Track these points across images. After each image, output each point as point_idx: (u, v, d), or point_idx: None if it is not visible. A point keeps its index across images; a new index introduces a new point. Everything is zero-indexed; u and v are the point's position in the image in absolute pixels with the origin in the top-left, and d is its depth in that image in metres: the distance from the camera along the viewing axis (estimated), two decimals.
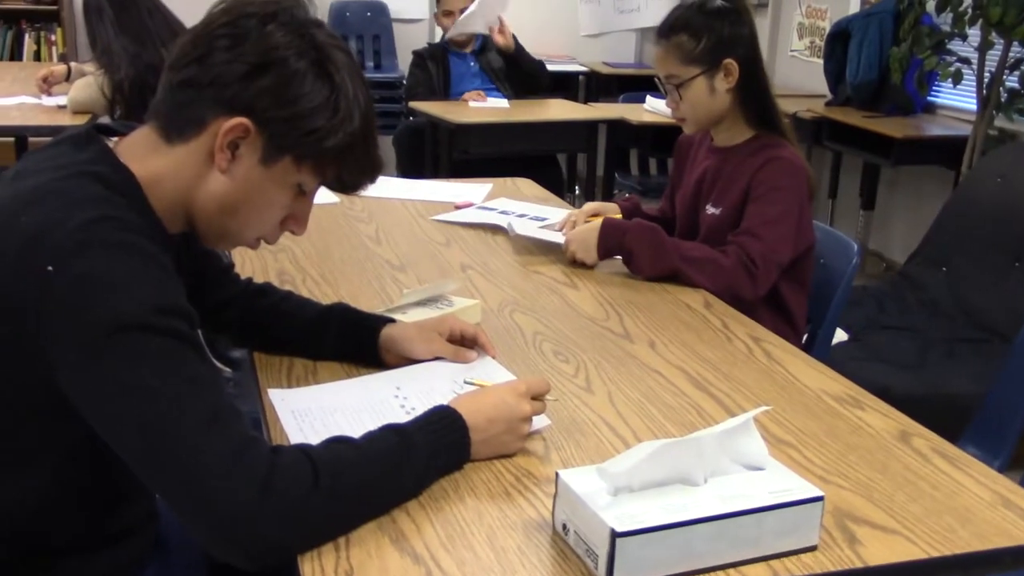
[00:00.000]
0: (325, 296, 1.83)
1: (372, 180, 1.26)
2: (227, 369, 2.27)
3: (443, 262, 2.10)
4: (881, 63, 4.75)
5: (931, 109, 4.90)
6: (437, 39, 5.08)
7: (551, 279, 2.02)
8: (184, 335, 1.06)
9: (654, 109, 4.65)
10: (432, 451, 1.17)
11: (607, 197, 4.92)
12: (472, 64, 4.73)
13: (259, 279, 1.67)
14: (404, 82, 4.95)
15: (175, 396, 1.02)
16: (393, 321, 1.54)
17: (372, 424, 1.30)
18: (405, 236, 2.28)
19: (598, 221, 2.12)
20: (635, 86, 5.66)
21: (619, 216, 2.41)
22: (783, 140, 2.21)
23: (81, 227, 1.04)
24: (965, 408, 3.00)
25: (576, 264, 2.09)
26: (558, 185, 4.62)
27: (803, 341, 2.32)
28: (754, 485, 1.07)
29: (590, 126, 4.54)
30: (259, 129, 1.14)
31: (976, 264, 3.70)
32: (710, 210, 2.24)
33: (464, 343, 1.53)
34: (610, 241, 2.07)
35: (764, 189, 2.12)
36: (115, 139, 1.22)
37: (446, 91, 4.65)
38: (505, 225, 2.33)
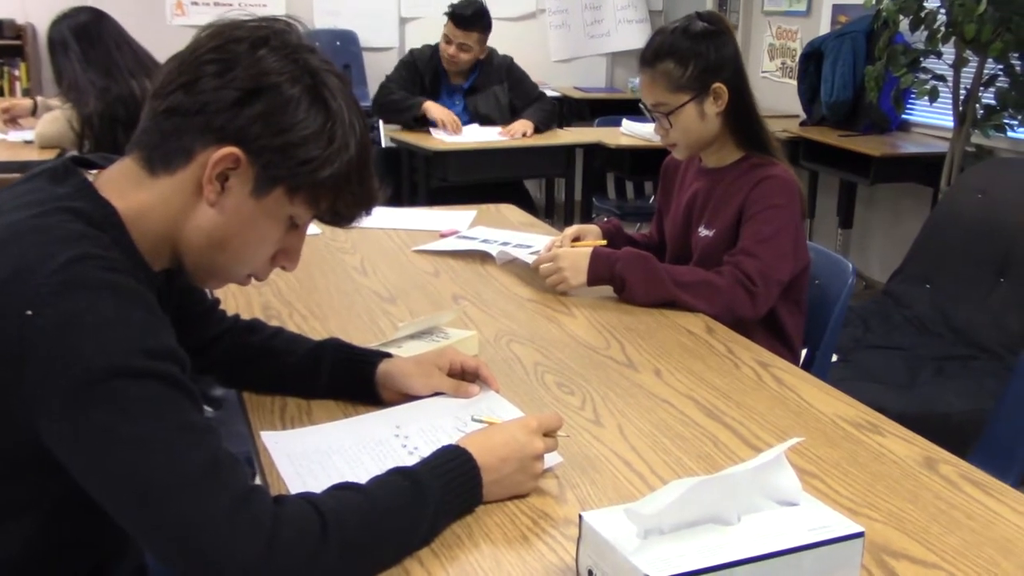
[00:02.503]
0: (314, 331, 1.75)
1: (368, 211, 1.19)
2: (209, 409, 2.18)
3: (434, 293, 2.03)
4: (855, 82, 4.76)
5: (906, 127, 4.91)
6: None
7: (546, 307, 1.96)
8: (176, 380, 0.98)
9: (631, 132, 4.63)
10: (444, 494, 1.10)
11: (586, 221, 4.89)
12: (458, 102, 4.55)
13: (244, 314, 1.59)
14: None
15: (168, 446, 0.95)
16: (389, 356, 1.47)
17: (373, 466, 1.24)
18: (392, 267, 2.21)
19: (588, 248, 2.06)
20: (608, 110, 5.65)
21: (601, 239, 2.36)
22: (773, 159, 2.18)
23: (61, 267, 0.97)
24: (960, 426, 2.98)
25: (557, 289, 2.02)
26: (528, 211, 4.51)
27: (800, 363, 2.27)
28: (790, 522, 1.00)
29: (567, 150, 4.50)
30: (250, 159, 1.07)
31: (960, 280, 3.68)
32: (703, 232, 2.19)
33: (465, 377, 1.46)
34: (600, 269, 2.01)
35: (758, 208, 2.07)
36: (94, 172, 1.14)
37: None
38: (494, 253, 2.27)
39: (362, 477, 1.20)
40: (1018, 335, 3.40)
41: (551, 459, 1.24)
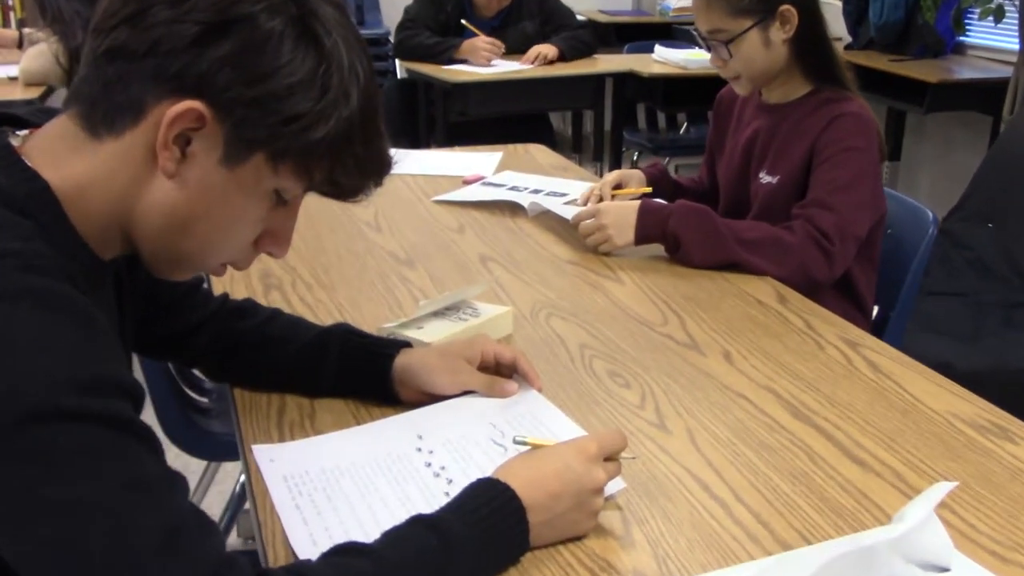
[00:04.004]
0: (320, 304, 1.50)
1: (378, 182, 0.93)
2: (203, 399, 1.95)
3: (458, 253, 1.77)
4: (907, 1, 4.39)
5: (961, 50, 4.55)
6: None
7: (589, 271, 1.69)
8: (124, 420, 0.73)
9: (664, 59, 4.30)
10: (482, 547, 0.86)
11: (616, 156, 4.59)
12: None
13: (238, 285, 1.35)
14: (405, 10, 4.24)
15: (111, 511, 0.70)
16: (407, 345, 1.22)
17: (391, 493, 1.00)
18: (410, 221, 1.95)
19: (634, 201, 1.78)
20: (636, 35, 5.30)
21: (646, 186, 2.08)
22: (847, 93, 1.89)
23: None
24: None
25: (600, 249, 1.75)
26: (551, 147, 4.18)
27: (871, 325, 2.01)
28: None
29: (596, 80, 4.18)
30: (218, 116, 0.81)
31: None
32: (764, 179, 1.92)
33: (500, 371, 1.21)
34: (650, 225, 1.74)
35: (833, 151, 1.79)
36: (23, 133, 0.88)
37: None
38: (525, 204, 2.00)
39: (377, 507, 0.97)
40: None
41: (612, 485, 0.99)
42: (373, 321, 1.40)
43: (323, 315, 1.45)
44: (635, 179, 2.10)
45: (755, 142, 1.96)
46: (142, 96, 0.81)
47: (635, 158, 4.65)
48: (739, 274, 1.67)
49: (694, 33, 1.95)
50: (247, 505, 1.59)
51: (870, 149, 1.82)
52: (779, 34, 1.81)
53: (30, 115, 0.91)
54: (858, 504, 1.01)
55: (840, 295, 1.88)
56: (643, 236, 1.74)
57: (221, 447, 1.88)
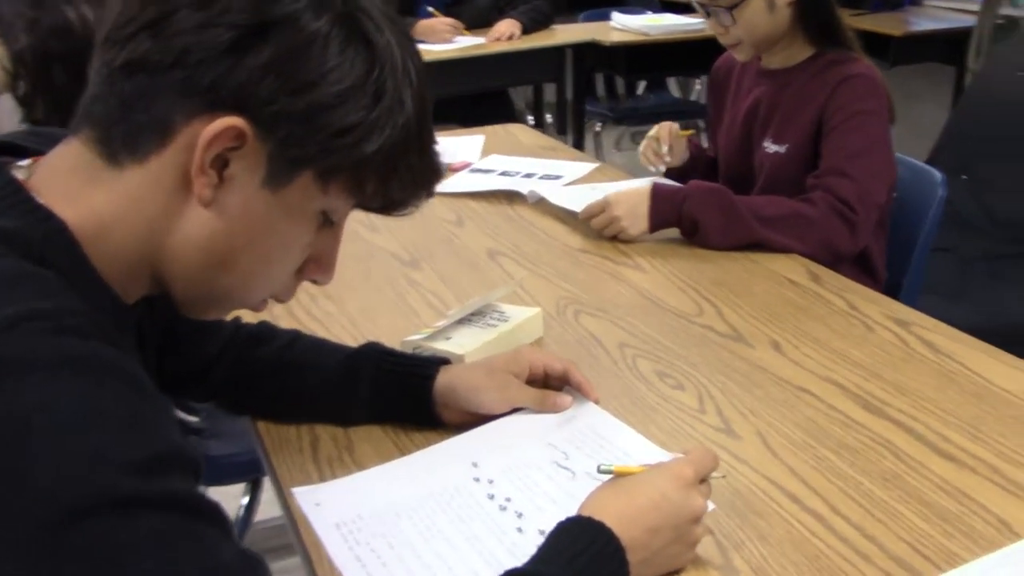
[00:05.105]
0: (329, 316, 1.39)
1: (431, 192, 0.83)
2: (193, 418, 1.82)
3: (463, 249, 1.66)
4: None
5: (918, 1, 4.52)
6: None
7: (605, 259, 1.60)
8: (192, 501, 0.63)
9: (624, 26, 4.20)
10: None
11: (579, 128, 4.49)
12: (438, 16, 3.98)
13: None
14: None
15: None
16: (446, 362, 1.12)
17: (456, 533, 0.91)
18: (405, 217, 1.82)
19: (645, 186, 1.69)
20: (588, 2, 5.19)
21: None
22: (852, 54, 1.81)
23: None
24: None
25: (613, 237, 1.66)
26: (512, 122, 4.05)
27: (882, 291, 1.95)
28: None
29: (558, 52, 4.07)
30: (260, 133, 0.70)
31: (1002, 169, 3.36)
32: (771, 148, 1.84)
33: (549, 384, 1.11)
34: (665, 210, 1.65)
35: (844, 115, 1.72)
36: (24, 163, 0.76)
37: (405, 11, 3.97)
38: (524, 191, 1.90)
39: (444, 551, 0.89)
40: None
41: None
42: (393, 333, 1.29)
43: (337, 330, 1.35)
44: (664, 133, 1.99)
45: (757, 110, 1.88)
46: (169, 114, 0.70)
47: (598, 129, 4.56)
48: (762, 252, 1.59)
49: (692, 1, 1.85)
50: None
51: (881, 111, 1.75)
52: None
53: (23, 140, 0.79)
54: (962, 506, 0.94)
55: (853, 264, 1.81)
56: (658, 222, 1.65)
57: (218, 471, 1.76)
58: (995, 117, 3.37)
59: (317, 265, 0.83)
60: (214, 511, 0.64)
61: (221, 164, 0.71)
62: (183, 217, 0.73)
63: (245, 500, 1.84)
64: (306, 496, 0.99)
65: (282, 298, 0.83)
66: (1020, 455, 1.02)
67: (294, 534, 0.94)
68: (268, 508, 1.95)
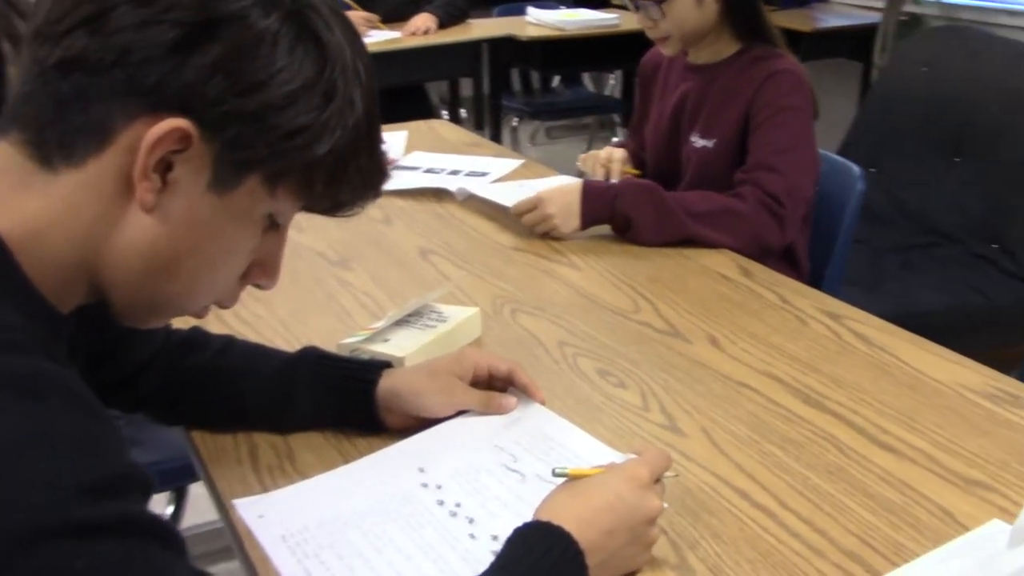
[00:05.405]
0: (259, 319, 1.36)
1: (378, 193, 0.81)
2: (116, 411, 1.75)
3: (392, 248, 1.64)
4: None
5: None
6: None
7: (538, 257, 1.59)
8: (144, 523, 0.59)
9: (540, 21, 4.20)
10: None
11: (496, 123, 4.48)
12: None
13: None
14: None
15: None
16: (388, 365, 1.09)
17: (408, 541, 0.89)
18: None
19: (576, 183, 1.69)
20: None
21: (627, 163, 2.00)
22: (777, 50, 1.84)
23: None
24: (948, 327, 2.77)
25: (545, 235, 1.66)
26: (428, 118, 4.03)
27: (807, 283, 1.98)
28: None
29: (474, 46, 4.05)
30: (206, 135, 0.67)
31: (910, 162, 3.46)
32: (699, 142, 1.85)
33: (493, 385, 1.10)
34: (596, 208, 1.65)
35: (771, 111, 1.74)
36: None
37: None
38: (452, 189, 1.88)
39: (397, 560, 0.87)
40: (979, 218, 3.21)
41: None
42: (326, 335, 1.26)
43: (268, 333, 1.31)
44: (618, 157, 1.99)
45: (684, 105, 1.89)
46: (108, 116, 0.66)
47: (515, 124, 4.56)
48: (694, 248, 1.60)
49: None
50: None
51: (806, 107, 1.79)
52: None
53: None
54: (905, 497, 0.95)
55: (779, 257, 1.84)
56: (590, 220, 1.65)
57: None
58: (901, 112, 3.47)
59: (262, 269, 0.80)
60: (168, 532, 0.61)
61: (164, 167, 0.68)
62: (123, 223, 0.69)
63: (170, 509, 1.78)
64: (248, 508, 0.95)
65: (226, 304, 0.80)
66: (956, 444, 1.04)
67: (237, 548, 0.91)
68: (195, 514, 1.89)
